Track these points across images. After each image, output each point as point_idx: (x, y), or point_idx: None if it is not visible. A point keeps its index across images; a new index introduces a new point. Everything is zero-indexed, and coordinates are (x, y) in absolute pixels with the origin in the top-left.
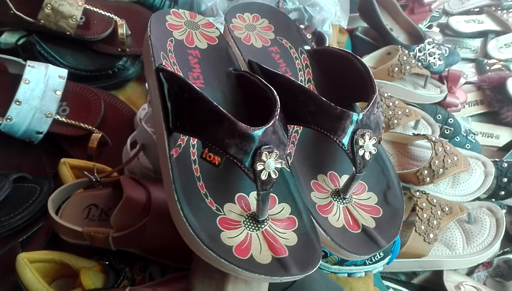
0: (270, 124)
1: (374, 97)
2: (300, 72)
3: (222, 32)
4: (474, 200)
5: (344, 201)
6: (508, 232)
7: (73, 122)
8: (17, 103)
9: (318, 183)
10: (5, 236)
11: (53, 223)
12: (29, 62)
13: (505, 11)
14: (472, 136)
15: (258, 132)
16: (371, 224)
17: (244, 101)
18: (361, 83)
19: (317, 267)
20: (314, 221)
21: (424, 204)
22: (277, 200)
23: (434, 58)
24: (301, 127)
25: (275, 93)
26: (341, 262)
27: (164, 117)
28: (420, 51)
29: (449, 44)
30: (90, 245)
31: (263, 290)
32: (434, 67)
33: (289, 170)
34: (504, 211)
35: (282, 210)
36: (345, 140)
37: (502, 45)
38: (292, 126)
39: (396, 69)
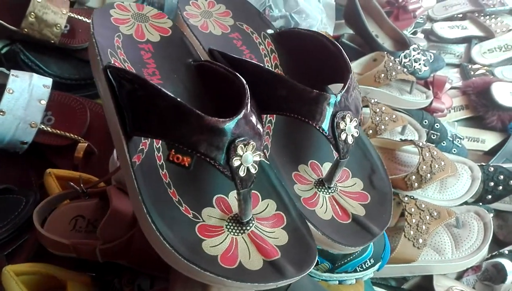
0: (242, 113)
1: (350, 76)
2: (266, 58)
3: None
4: (461, 204)
5: (329, 191)
6: (496, 236)
7: (59, 132)
8: (1, 113)
9: (300, 174)
10: None
11: (39, 235)
12: (12, 72)
13: (487, 17)
14: (458, 141)
15: (229, 124)
16: (361, 211)
17: (209, 94)
18: (334, 63)
19: (314, 264)
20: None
21: (412, 209)
22: (260, 197)
23: (420, 64)
24: (275, 116)
25: (242, 79)
26: (332, 270)
27: (120, 121)
28: (405, 57)
29: (434, 50)
30: (77, 258)
31: None
32: (419, 73)
33: (268, 163)
34: (492, 215)
35: (267, 207)
36: (325, 125)
37: (486, 51)
38: (265, 116)
39: (382, 75)
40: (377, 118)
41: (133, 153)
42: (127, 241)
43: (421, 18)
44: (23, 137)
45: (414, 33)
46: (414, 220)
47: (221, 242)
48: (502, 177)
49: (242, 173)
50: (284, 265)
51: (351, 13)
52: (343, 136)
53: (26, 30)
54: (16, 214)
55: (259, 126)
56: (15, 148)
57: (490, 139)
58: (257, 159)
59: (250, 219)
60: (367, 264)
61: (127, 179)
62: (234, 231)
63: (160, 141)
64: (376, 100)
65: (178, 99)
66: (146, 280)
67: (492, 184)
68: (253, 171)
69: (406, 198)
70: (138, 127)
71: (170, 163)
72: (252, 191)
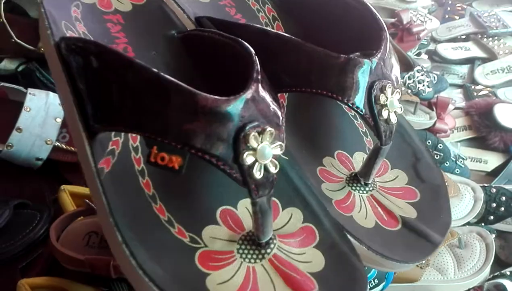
0: (252, 89)
1: (385, 35)
2: (268, 27)
3: None
4: (464, 225)
5: (367, 188)
6: (498, 256)
7: (73, 149)
8: (18, 130)
9: (326, 170)
10: (5, 262)
11: (54, 251)
12: (30, 90)
13: (490, 38)
14: (461, 161)
15: (235, 104)
16: (412, 213)
17: (201, 72)
18: (361, 25)
19: None
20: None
21: None
22: (279, 205)
23: (423, 85)
24: (286, 98)
25: (247, 45)
26: None
27: (79, 113)
28: (409, 78)
29: (437, 70)
30: (91, 272)
31: None
32: (423, 94)
33: (286, 158)
34: (494, 235)
35: (291, 218)
36: (360, 100)
37: (489, 72)
38: None
39: None
40: None
41: (100, 156)
42: None
43: (425, 39)
44: (38, 154)
45: (418, 54)
46: None
47: (233, 275)
48: (504, 198)
49: (258, 174)
50: None
51: None
52: (384, 114)
53: (42, 49)
54: (31, 228)
55: (275, 106)
56: (29, 164)
57: (492, 160)
58: (278, 151)
59: (271, 238)
60: (371, 284)
61: (93, 192)
62: (249, 256)
63: (138, 139)
64: None
65: (160, 72)
66: None
67: (494, 205)
68: (273, 169)
69: None
70: (104, 118)
71: (153, 166)
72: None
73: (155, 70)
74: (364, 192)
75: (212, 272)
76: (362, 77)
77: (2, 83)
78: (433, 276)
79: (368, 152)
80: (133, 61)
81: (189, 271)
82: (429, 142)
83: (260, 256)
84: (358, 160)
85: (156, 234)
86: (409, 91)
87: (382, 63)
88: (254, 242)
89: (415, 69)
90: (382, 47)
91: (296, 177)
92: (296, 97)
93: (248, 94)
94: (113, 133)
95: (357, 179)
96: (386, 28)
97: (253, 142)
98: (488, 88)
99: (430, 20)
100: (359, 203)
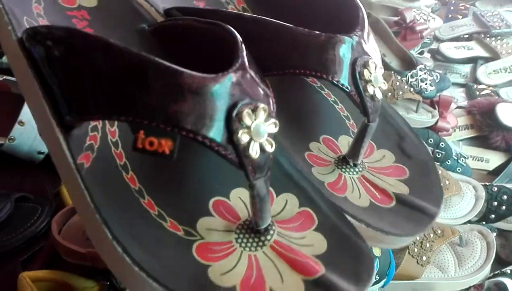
0: (238, 65)
1: (362, 13)
2: None
3: None
4: (465, 223)
5: (356, 169)
6: (499, 255)
7: None
8: (21, 124)
9: (314, 154)
10: (6, 255)
11: (56, 244)
12: None
13: (493, 38)
14: (462, 160)
15: (224, 82)
16: (404, 189)
17: (177, 63)
18: (333, 7)
19: (374, 273)
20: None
21: None
22: (273, 192)
23: (426, 84)
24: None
25: (228, 27)
26: None
27: (51, 107)
28: (412, 77)
29: (440, 69)
30: (92, 266)
31: None
32: (425, 92)
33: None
34: (495, 234)
35: (286, 204)
36: (344, 76)
37: (491, 71)
38: None
39: (389, 94)
40: None
41: (78, 152)
42: None
43: (428, 38)
44: (40, 147)
45: (421, 53)
46: (418, 237)
47: (235, 265)
48: (505, 196)
49: (254, 154)
50: (335, 283)
51: None
52: (369, 90)
53: None
54: (32, 222)
55: (264, 87)
56: (31, 158)
57: (494, 159)
58: (273, 129)
59: (269, 224)
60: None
61: (71, 190)
62: (249, 245)
63: (117, 133)
64: None
65: (141, 52)
66: None
67: (495, 203)
68: (269, 148)
69: None
70: (79, 108)
71: (140, 153)
72: None
73: (134, 50)
74: (354, 173)
75: (213, 263)
76: (344, 54)
77: (4, 77)
78: (434, 274)
79: (352, 135)
80: (110, 43)
81: (188, 264)
82: (431, 141)
83: (260, 244)
84: (344, 143)
85: (148, 229)
86: (412, 89)
87: (362, 40)
88: (252, 230)
89: (418, 67)
90: (360, 24)
91: (286, 162)
92: (276, 85)
93: (236, 71)
94: (90, 127)
95: (346, 161)
96: (362, 6)
97: (247, 120)
98: (491, 88)
99: (433, 19)
100: (351, 184)
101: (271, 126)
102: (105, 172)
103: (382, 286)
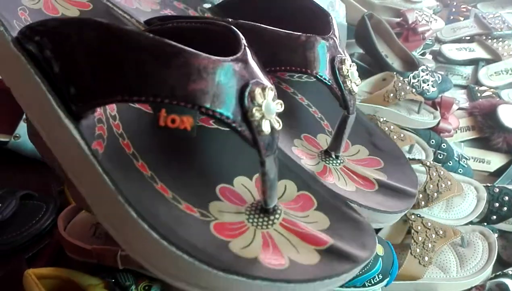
0: (245, 51)
1: (330, 19)
2: None
3: None
4: (467, 224)
5: (338, 161)
6: (500, 256)
7: None
8: (26, 121)
9: (299, 149)
10: (11, 252)
11: (62, 240)
12: None
13: (495, 40)
14: (464, 161)
15: (235, 63)
16: (382, 176)
17: None
18: (304, 16)
19: (377, 241)
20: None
21: (419, 227)
22: None
23: (428, 85)
24: None
25: (223, 23)
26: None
27: (57, 99)
28: (414, 78)
29: (442, 71)
30: (97, 263)
31: None
32: (427, 93)
33: None
34: (496, 235)
35: (286, 189)
36: (325, 71)
37: (493, 73)
38: None
39: (392, 95)
40: None
41: (91, 139)
42: None
43: (429, 39)
44: None
45: (423, 54)
46: (420, 238)
47: (252, 241)
48: (507, 198)
49: (266, 129)
50: (345, 250)
51: (362, 34)
52: (348, 84)
53: None
54: (37, 219)
55: (266, 72)
56: (36, 155)
57: (495, 161)
58: (280, 108)
59: (275, 205)
60: (376, 280)
61: (88, 177)
62: (261, 223)
63: (121, 127)
64: (384, 119)
65: (154, 36)
66: (162, 287)
67: (497, 204)
68: (277, 126)
69: (412, 216)
70: (95, 93)
71: (162, 131)
72: None
73: (156, 36)
74: (337, 164)
75: (232, 239)
76: (323, 52)
77: None
78: (435, 274)
79: (327, 133)
80: (127, 29)
81: (210, 240)
82: (432, 142)
83: (270, 222)
84: (322, 140)
85: (166, 208)
86: (414, 90)
87: (336, 42)
88: (261, 210)
89: (420, 68)
90: (332, 29)
91: (280, 154)
92: None
93: (243, 55)
94: (95, 119)
95: (328, 154)
96: (329, 13)
97: (259, 99)
98: (492, 90)
99: (435, 20)
100: (336, 174)
101: (278, 105)
102: (118, 158)
103: (385, 285)
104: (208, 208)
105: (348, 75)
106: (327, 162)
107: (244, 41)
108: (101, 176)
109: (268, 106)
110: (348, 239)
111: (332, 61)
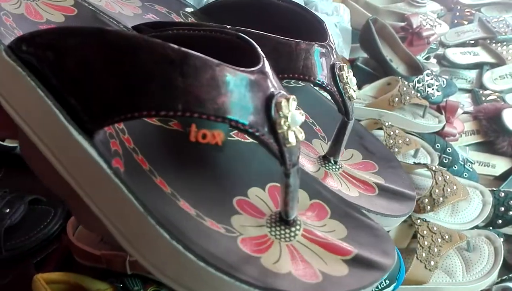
0: (263, 61)
1: (326, 26)
2: None
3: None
4: (472, 228)
5: (337, 166)
6: (505, 260)
7: None
8: None
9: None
10: (19, 257)
11: (71, 246)
12: None
13: (499, 44)
14: (469, 165)
15: (259, 75)
16: (380, 179)
17: None
18: (291, 20)
19: (395, 247)
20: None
21: (425, 232)
22: None
23: (433, 89)
24: None
25: (232, 31)
26: None
27: (66, 114)
28: (419, 82)
29: (446, 75)
30: (105, 268)
31: None
32: (432, 97)
33: None
34: (502, 239)
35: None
36: (326, 78)
37: (497, 77)
38: None
39: (397, 99)
40: (391, 141)
41: (109, 157)
42: None
43: (434, 43)
44: None
45: (427, 58)
46: (426, 242)
47: (280, 255)
48: None
49: (292, 141)
50: (370, 258)
51: (367, 38)
52: (348, 90)
53: None
54: (45, 224)
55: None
56: None
57: (500, 165)
58: (302, 118)
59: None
60: (383, 285)
61: (105, 197)
62: (283, 236)
63: (132, 141)
64: (389, 123)
65: (186, 49)
66: None
67: (502, 209)
68: (300, 136)
69: (418, 220)
70: (116, 108)
71: (194, 145)
72: (272, 183)
73: (182, 48)
74: (336, 169)
75: (261, 255)
76: (323, 59)
77: None
78: (441, 279)
79: (321, 138)
80: (155, 42)
81: (242, 257)
82: (437, 146)
83: (292, 234)
84: (317, 145)
85: (194, 226)
86: (418, 94)
87: (332, 48)
88: (282, 222)
89: (425, 73)
90: (329, 36)
91: None
92: None
93: (264, 66)
94: (107, 134)
95: (327, 159)
96: (321, 20)
97: (285, 110)
98: (496, 93)
99: (439, 24)
100: (337, 179)
101: (302, 116)
102: (138, 176)
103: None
104: (230, 223)
105: (347, 81)
106: (327, 167)
107: (260, 51)
108: (126, 197)
109: (294, 117)
110: (369, 246)
111: (332, 68)
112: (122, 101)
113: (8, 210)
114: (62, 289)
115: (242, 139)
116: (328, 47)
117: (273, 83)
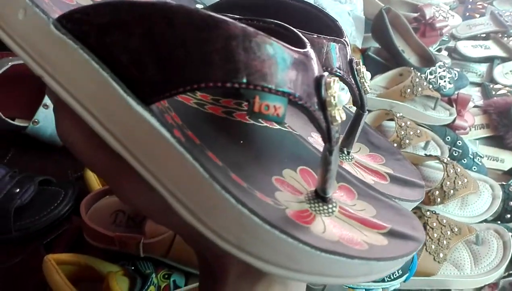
0: (308, 45)
1: (339, 23)
2: None
3: None
4: (481, 222)
5: (349, 157)
6: None
7: None
8: (45, 107)
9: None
10: (29, 238)
11: (84, 227)
12: None
13: (511, 38)
14: (478, 159)
15: (312, 55)
16: (389, 170)
17: None
18: (303, 22)
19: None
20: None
21: (434, 224)
22: (311, 170)
23: (445, 81)
24: None
25: (274, 21)
26: None
27: (124, 87)
28: (431, 74)
29: (456, 68)
30: (117, 250)
31: None
32: (444, 90)
33: (292, 131)
34: (511, 234)
35: None
36: (347, 73)
37: (508, 71)
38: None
39: (409, 90)
40: (402, 132)
41: (170, 126)
42: (170, 236)
43: (445, 36)
44: None
45: (439, 50)
46: (435, 235)
47: (325, 226)
48: None
49: (339, 119)
50: (403, 232)
51: (379, 28)
52: (365, 84)
53: None
54: (56, 205)
55: None
56: (55, 141)
57: (509, 159)
58: (347, 100)
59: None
60: (395, 275)
61: (170, 167)
62: (323, 211)
63: (179, 117)
64: (401, 114)
65: (244, 25)
66: (181, 276)
67: (511, 203)
68: (344, 116)
69: (428, 213)
70: (178, 81)
71: (255, 116)
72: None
73: (244, 25)
74: (349, 160)
75: (309, 225)
76: (341, 54)
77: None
78: (449, 271)
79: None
80: (217, 17)
81: (295, 226)
82: (448, 139)
83: (330, 210)
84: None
85: (248, 196)
86: (430, 86)
87: (348, 45)
88: (320, 199)
89: (437, 64)
90: (344, 34)
91: (310, 146)
92: None
93: (311, 51)
94: (159, 109)
95: (341, 150)
96: (334, 19)
97: (333, 90)
98: (507, 88)
99: (452, 16)
100: (351, 168)
101: (345, 95)
102: (194, 147)
103: (404, 281)
104: (275, 196)
105: (363, 76)
106: (341, 157)
107: (304, 37)
108: (191, 164)
109: (339, 97)
110: (399, 223)
111: (350, 62)
112: (188, 71)
113: (18, 190)
114: (73, 270)
115: (270, 126)
116: (345, 43)
117: (320, 67)
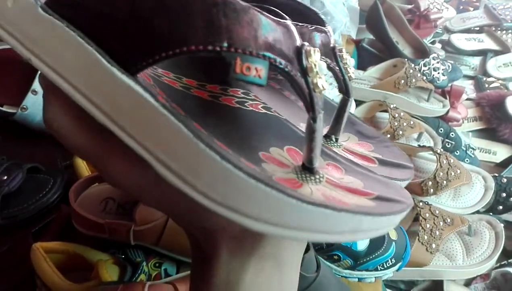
0: (288, 20)
1: (319, 15)
2: None
3: None
4: (473, 213)
5: (337, 143)
6: (504, 247)
7: None
8: (34, 93)
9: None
10: (17, 225)
11: (73, 214)
12: None
13: (504, 31)
14: (471, 151)
15: (289, 26)
16: (377, 155)
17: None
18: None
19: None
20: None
21: (427, 214)
22: (298, 149)
23: (438, 73)
24: None
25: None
26: (353, 267)
27: (109, 56)
28: (425, 65)
29: (450, 61)
30: (107, 238)
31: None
32: (438, 82)
33: (277, 114)
34: (502, 225)
35: None
36: (330, 59)
37: (501, 65)
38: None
39: (402, 81)
40: (396, 123)
41: (155, 93)
42: (161, 224)
43: (439, 28)
44: None
45: (433, 42)
46: (428, 225)
47: (312, 191)
48: None
49: (321, 86)
50: (391, 197)
51: (374, 19)
52: (349, 70)
53: None
54: (44, 193)
55: None
56: (43, 128)
57: (501, 152)
58: (327, 71)
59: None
60: (388, 264)
61: (155, 132)
62: (310, 180)
63: (163, 93)
64: (394, 105)
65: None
66: (172, 265)
67: (504, 194)
68: (326, 85)
69: (421, 203)
70: (168, 43)
71: (238, 77)
72: (289, 146)
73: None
74: (338, 146)
75: (297, 189)
76: (328, 42)
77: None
78: (441, 262)
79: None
80: None
81: (283, 186)
82: (441, 130)
83: (317, 179)
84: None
85: (234, 159)
86: (424, 78)
87: (331, 34)
88: (306, 170)
89: (431, 56)
90: (325, 23)
91: (295, 128)
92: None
93: (291, 24)
94: (145, 82)
95: (329, 137)
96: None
97: (314, 57)
98: (500, 81)
99: (446, 8)
100: (341, 153)
101: (325, 65)
102: (178, 114)
103: (397, 270)
104: (261, 165)
105: (346, 62)
106: (330, 144)
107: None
108: (176, 126)
109: (321, 66)
110: (387, 192)
111: (333, 49)
112: (170, 36)
113: (5, 177)
114: (61, 259)
115: (256, 110)
116: (327, 32)
117: (300, 38)
